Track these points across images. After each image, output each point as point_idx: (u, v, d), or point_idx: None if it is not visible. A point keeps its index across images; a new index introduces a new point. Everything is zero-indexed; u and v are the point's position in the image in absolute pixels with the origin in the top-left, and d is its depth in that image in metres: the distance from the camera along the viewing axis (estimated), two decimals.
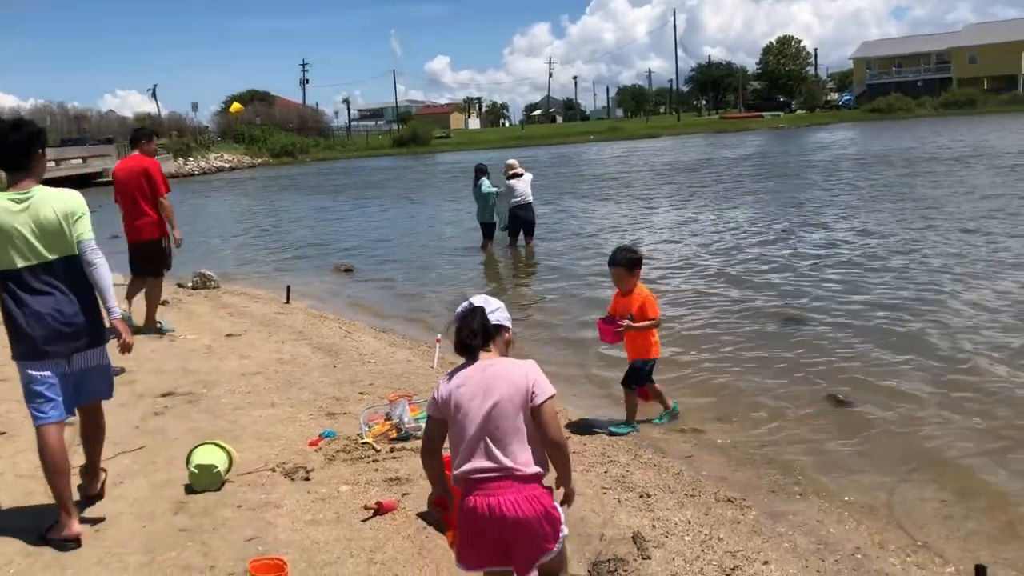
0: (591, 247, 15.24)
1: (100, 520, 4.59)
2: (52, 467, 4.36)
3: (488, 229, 15.43)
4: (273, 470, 5.27)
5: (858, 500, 4.90)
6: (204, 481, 4.93)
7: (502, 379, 3.03)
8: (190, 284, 12.69)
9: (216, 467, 4.95)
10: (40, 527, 4.44)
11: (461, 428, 3.04)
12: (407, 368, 7.84)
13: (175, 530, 4.45)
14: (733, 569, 4.02)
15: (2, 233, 4.19)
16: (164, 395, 6.90)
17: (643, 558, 4.12)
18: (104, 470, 4.96)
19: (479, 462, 2.99)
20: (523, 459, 2.98)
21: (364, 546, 4.25)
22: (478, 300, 3.31)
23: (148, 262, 9.17)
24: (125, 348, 4.52)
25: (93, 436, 4.79)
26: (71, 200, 4.39)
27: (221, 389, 7.07)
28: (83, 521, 4.45)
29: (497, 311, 3.30)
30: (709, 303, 10.23)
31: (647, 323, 5.90)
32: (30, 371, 4.35)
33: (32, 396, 4.38)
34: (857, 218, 16.81)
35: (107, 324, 4.55)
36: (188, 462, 5.02)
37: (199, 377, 7.44)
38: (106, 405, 6.42)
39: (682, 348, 8.35)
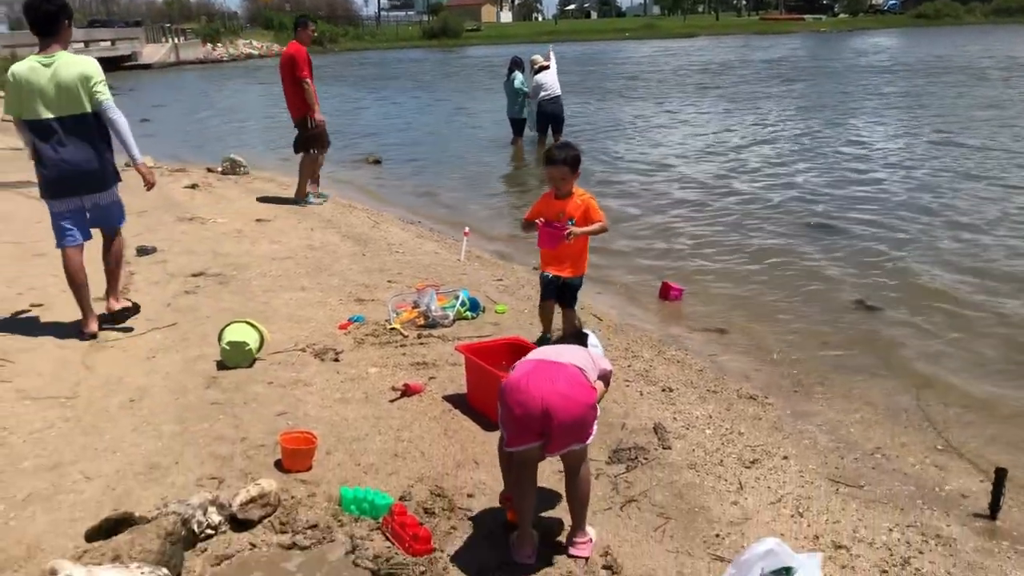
0: (622, 146, 15.03)
1: (129, 312, 5.84)
2: (73, 280, 5.51)
3: (518, 125, 15.20)
4: (303, 350, 5.37)
5: (881, 403, 4.93)
6: (236, 358, 5.04)
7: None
8: (220, 169, 12.69)
9: (248, 345, 5.04)
10: (76, 391, 4.60)
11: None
12: (434, 260, 7.87)
13: (207, 403, 4.57)
14: (752, 462, 4.09)
15: (30, 88, 5.15)
16: (195, 275, 6.99)
17: (663, 448, 4.19)
18: (128, 300, 6.07)
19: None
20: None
21: (391, 424, 4.35)
22: (589, 333, 3.70)
23: (299, 138, 10.12)
24: (149, 186, 5.70)
25: (110, 259, 5.83)
26: (89, 66, 5.30)
27: (252, 272, 7.15)
28: (106, 322, 5.70)
29: (595, 348, 3.57)
30: (736, 207, 10.11)
31: (596, 226, 5.00)
32: (52, 207, 5.45)
33: (55, 225, 5.49)
34: (890, 124, 16.41)
35: (119, 171, 5.71)
36: (220, 339, 5.11)
37: (230, 260, 7.52)
38: (138, 283, 6.60)
39: (710, 248, 8.31)
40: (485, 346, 4.82)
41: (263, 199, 10.63)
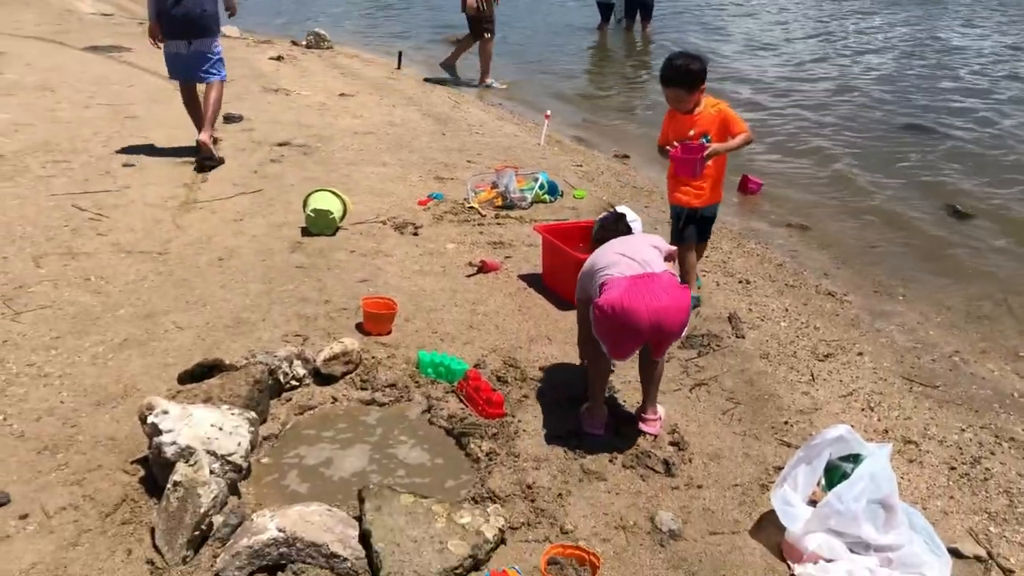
0: (717, 31, 14.50)
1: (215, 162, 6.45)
2: (188, 105, 6.74)
3: (605, 9, 14.71)
4: (384, 223, 5.46)
5: (964, 308, 4.83)
6: (320, 225, 5.15)
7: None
8: (304, 43, 12.67)
9: (332, 213, 5.14)
10: (167, 248, 4.80)
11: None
12: (514, 142, 7.82)
13: (292, 266, 4.71)
14: (826, 356, 4.08)
15: None
16: (280, 144, 7.09)
17: (737, 337, 4.20)
18: (216, 138, 6.85)
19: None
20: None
21: (468, 298, 4.44)
22: (621, 208, 3.70)
23: (471, 23, 10.51)
24: (231, 12, 6.95)
25: (209, 103, 6.61)
26: None
27: (335, 144, 7.22)
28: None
29: (635, 222, 3.58)
30: (830, 102, 9.73)
31: (739, 139, 4.10)
32: (166, 49, 6.56)
33: (169, 65, 6.68)
34: (1001, 30, 15.42)
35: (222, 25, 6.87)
36: (305, 206, 5.22)
37: (313, 131, 7.59)
38: (227, 148, 6.73)
39: (798, 144, 8.07)
40: (562, 227, 4.83)
41: (346, 74, 10.63)
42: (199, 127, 6.53)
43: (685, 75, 4.03)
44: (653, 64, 12.23)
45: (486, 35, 10.38)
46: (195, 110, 6.71)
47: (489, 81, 10.64)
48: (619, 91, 10.78)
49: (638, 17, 14.45)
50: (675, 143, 4.11)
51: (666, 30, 14.80)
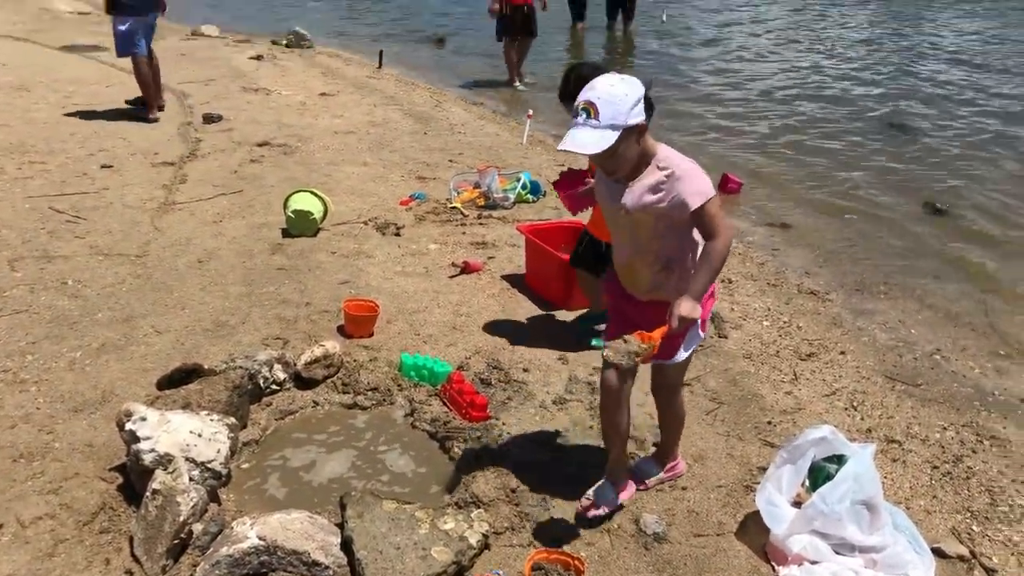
0: (694, 31, 14.51)
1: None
2: (143, 81, 7.50)
3: (578, 8, 14.56)
4: (366, 223, 5.42)
5: (944, 306, 4.84)
6: (300, 226, 5.11)
7: None
8: (284, 42, 12.58)
9: (313, 214, 5.11)
10: (146, 250, 4.74)
11: None
12: (496, 141, 7.80)
13: (272, 268, 4.68)
14: (809, 355, 4.08)
15: None
16: (260, 144, 7.03)
17: (720, 336, 4.20)
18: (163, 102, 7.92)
19: None
20: None
21: (451, 299, 4.42)
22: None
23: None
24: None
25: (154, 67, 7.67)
26: None
27: (315, 144, 7.17)
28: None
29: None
30: (807, 102, 9.76)
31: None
32: (127, 24, 7.21)
33: (127, 39, 7.29)
34: (975, 22, 15.53)
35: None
36: (285, 207, 5.18)
37: (294, 131, 7.54)
38: (206, 149, 6.69)
39: (778, 142, 8.10)
40: (545, 227, 4.81)
41: (326, 74, 10.57)
42: (151, 105, 7.64)
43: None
44: (636, 64, 12.24)
45: (504, 37, 10.36)
46: (149, 88, 7.62)
47: (516, 81, 10.59)
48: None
49: (620, 16, 14.42)
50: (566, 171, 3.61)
51: (647, 32, 14.81)
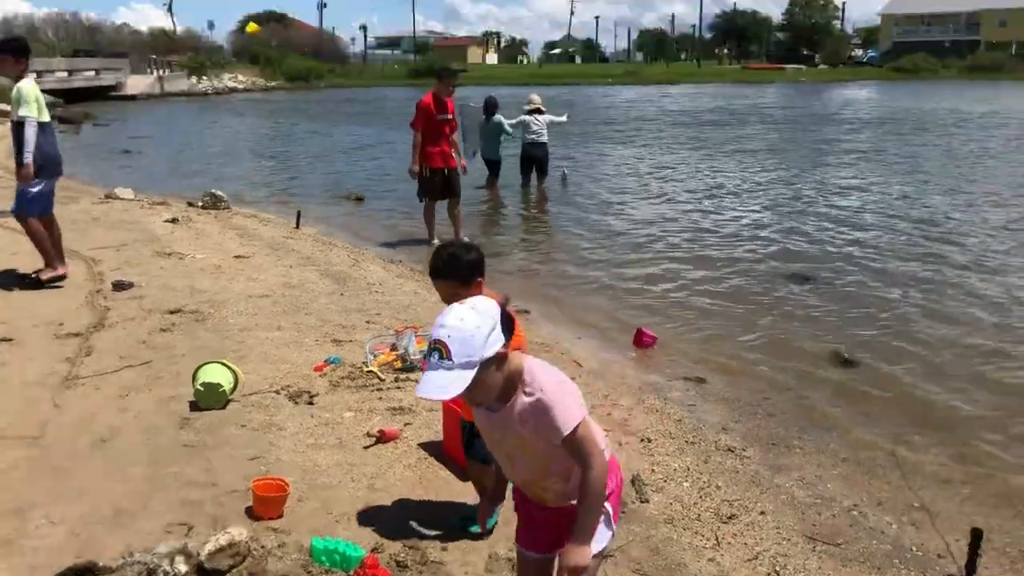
0: (601, 187, 15.11)
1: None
2: (45, 239, 7.55)
3: (494, 166, 15.14)
4: (278, 392, 5.30)
5: (858, 458, 4.92)
6: (209, 399, 4.96)
7: None
8: (200, 203, 12.63)
9: (222, 386, 4.98)
10: (43, 431, 4.52)
11: None
12: (414, 300, 7.83)
13: (179, 445, 4.49)
14: (730, 517, 4.06)
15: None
16: (172, 312, 6.91)
17: (641, 501, 4.16)
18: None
19: None
20: None
21: (365, 472, 4.29)
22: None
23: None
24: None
25: (54, 232, 7.73)
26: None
27: (229, 310, 7.08)
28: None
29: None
30: (715, 252, 10.16)
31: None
32: (44, 188, 7.45)
33: (43, 199, 7.52)
34: (866, 177, 16.60)
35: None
36: (194, 379, 5.04)
37: (207, 296, 7.45)
38: (114, 318, 6.56)
39: (685, 296, 8.34)
40: None
41: (242, 235, 10.58)
42: (61, 258, 7.69)
43: (457, 266, 3.38)
44: (551, 223, 12.62)
45: (423, 199, 10.56)
46: (45, 243, 7.60)
47: (435, 242, 10.55)
48: (518, 248, 10.99)
49: (534, 175, 14.97)
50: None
51: (559, 185, 15.39)
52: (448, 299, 3.25)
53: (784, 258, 9.94)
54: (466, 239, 10.70)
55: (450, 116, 10.24)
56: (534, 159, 14.87)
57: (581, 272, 9.41)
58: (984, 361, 6.52)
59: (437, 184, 10.38)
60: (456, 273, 3.34)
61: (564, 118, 15.63)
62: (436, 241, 10.65)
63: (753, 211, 13.08)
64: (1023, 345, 6.86)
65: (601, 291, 8.55)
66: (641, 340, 6.83)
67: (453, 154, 10.48)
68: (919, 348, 6.81)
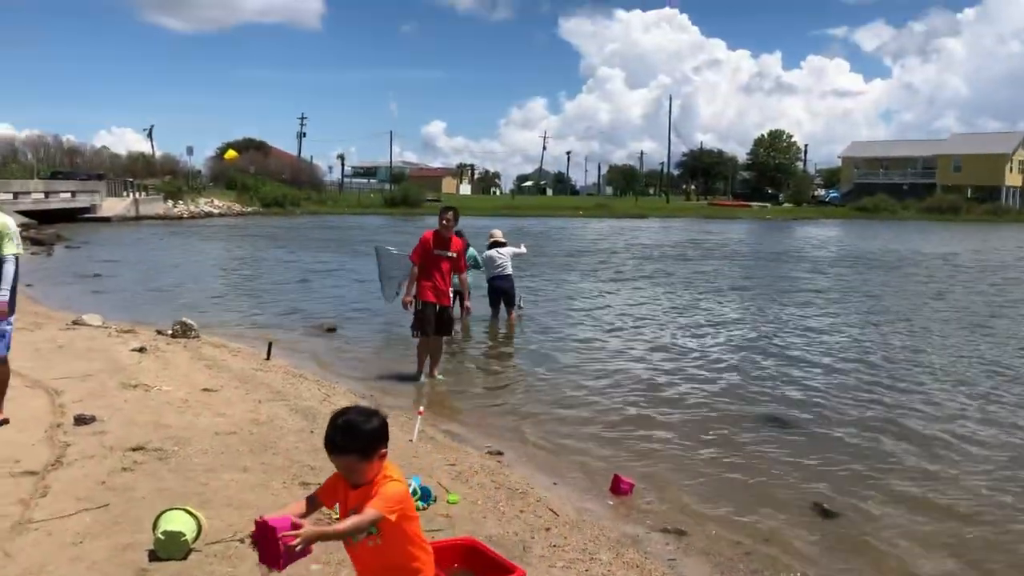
0: (570, 325, 15.17)
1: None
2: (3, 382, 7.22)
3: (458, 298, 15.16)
4: (241, 541, 5.05)
5: None
6: (170, 549, 4.72)
7: None
8: (170, 332, 12.46)
9: (184, 535, 4.74)
10: None
11: None
12: None
13: None
14: None
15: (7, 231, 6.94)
16: (134, 449, 6.67)
17: None
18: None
19: None
20: None
21: None
22: None
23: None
24: None
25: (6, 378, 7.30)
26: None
27: (194, 448, 6.85)
28: None
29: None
30: (690, 395, 10.12)
31: (354, 521, 3.08)
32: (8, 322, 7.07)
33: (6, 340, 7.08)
34: (840, 316, 16.87)
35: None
36: (155, 527, 4.80)
37: (172, 432, 7.22)
38: (74, 455, 6.33)
39: (662, 441, 8.22)
40: (434, 547, 4.57)
41: (211, 366, 10.39)
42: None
43: (354, 437, 3.01)
44: (523, 359, 12.55)
45: (415, 332, 10.54)
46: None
47: (420, 374, 10.66)
48: (491, 385, 10.88)
49: (502, 308, 15.05)
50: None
51: (526, 318, 15.45)
52: (346, 475, 3.07)
53: (755, 400, 9.90)
54: (440, 375, 10.61)
55: (451, 253, 10.37)
56: (501, 291, 15.08)
57: (555, 412, 9.29)
58: (960, 509, 6.43)
59: (428, 317, 10.34)
60: (352, 445, 2.99)
61: (523, 249, 15.91)
62: (423, 379, 10.53)
63: (718, 354, 13.14)
64: (999, 500, 6.79)
65: (577, 432, 8.42)
66: (619, 487, 6.67)
67: (450, 292, 10.58)
68: (899, 499, 6.71)
